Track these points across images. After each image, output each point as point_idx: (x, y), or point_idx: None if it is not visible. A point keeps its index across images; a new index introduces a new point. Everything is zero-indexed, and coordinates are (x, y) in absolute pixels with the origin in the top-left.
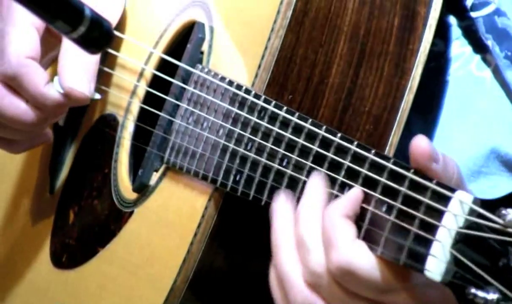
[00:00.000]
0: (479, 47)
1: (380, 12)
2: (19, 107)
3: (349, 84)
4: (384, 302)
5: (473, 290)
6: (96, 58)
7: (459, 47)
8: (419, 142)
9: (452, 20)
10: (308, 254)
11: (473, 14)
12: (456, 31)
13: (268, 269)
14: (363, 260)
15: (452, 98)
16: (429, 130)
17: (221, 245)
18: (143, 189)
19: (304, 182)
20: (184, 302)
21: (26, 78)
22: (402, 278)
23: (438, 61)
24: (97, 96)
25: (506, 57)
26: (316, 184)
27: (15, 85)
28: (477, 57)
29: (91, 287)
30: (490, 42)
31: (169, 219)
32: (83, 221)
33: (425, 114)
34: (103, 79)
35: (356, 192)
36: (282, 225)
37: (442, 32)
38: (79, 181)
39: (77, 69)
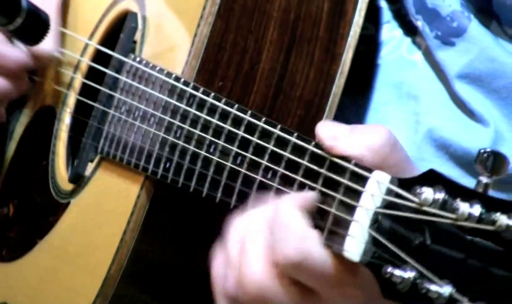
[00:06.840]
0: (409, 29)
1: None
2: None
3: (279, 70)
4: (334, 297)
5: (389, 269)
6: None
7: (389, 31)
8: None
9: (383, 3)
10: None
11: None
12: (386, 14)
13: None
14: (316, 251)
15: (384, 81)
16: (361, 114)
17: (156, 233)
18: (79, 180)
19: (229, 169)
20: (122, 290)
21: None
22: (352, 272)
23: (369, 45)
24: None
25: (436, 37)
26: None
27: None
28: (408, 40)
29: (31, 279)
30: (420, 23)
31: (104, 208)
32: (22, 213)
33: (357, 98)
34: (40, 71)
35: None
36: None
37: (373, 15)
38: (19, 174)
39: None
